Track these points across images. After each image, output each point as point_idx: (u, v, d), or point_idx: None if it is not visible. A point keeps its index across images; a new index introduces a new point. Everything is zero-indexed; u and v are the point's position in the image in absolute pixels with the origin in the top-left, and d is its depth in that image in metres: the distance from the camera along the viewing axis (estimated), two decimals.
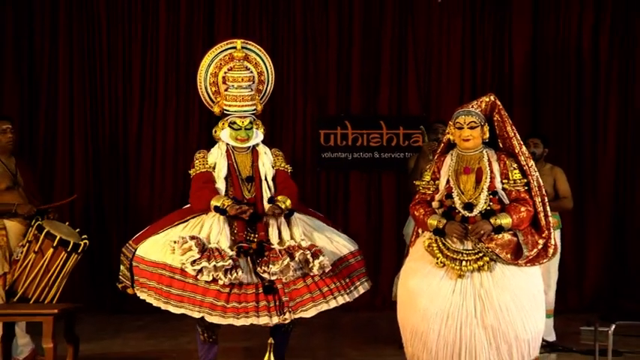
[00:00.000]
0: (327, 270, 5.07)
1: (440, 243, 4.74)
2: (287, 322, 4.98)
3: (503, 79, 9.30)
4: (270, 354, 3.19)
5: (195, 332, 5.31)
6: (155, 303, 5.01)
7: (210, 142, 5.58)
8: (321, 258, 5.03)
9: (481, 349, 4.57)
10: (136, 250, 5.16)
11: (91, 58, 9.25)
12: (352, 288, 5.21)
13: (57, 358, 5.20)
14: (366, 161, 9.28)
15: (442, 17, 9.33)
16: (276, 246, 5.09)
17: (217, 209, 5.10)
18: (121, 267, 5.31)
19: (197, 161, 5.39)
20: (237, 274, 4.87)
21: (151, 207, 9.09)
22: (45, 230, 5.86)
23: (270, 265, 4.94)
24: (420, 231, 5.00)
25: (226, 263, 4.86)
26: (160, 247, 5.10)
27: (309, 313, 5.00)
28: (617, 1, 9.28)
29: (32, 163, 8.08)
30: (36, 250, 5.85)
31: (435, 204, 4.86)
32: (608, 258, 9.19)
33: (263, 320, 4.87)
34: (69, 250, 5.90)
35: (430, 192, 4.92)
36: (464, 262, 4.65)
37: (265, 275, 4.96)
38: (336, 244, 5.32)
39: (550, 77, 9.31)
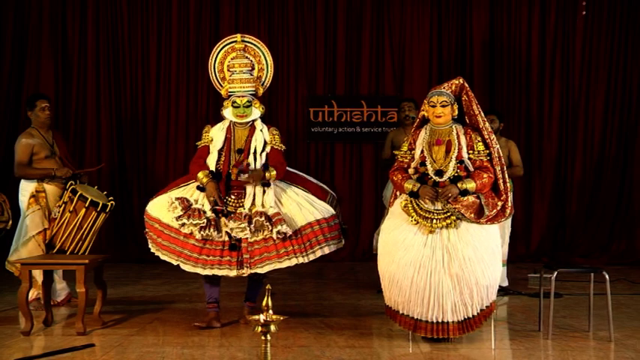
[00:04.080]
0: (288, 234, 5.05)
1: (414, 204, 4.71)
2: (244, 275, 5.12)
3: (465, 65, 9.26)
4: (267, 298, 3.16)
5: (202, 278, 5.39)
6: (152, 249, 5.27)
7: (215, 118, 5.58)
8: (279, 227, 5.01)
9: (447, 294, 4.57)
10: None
11: (114, 46, 9.22)
12: (309, 251, 5.16)
13: (88, 301, 5.16)
14: (349, 135, 9.24)
15: (413, 12, 9.29)
16: (245, 210, 5.11)
17: (198, 187, 5.23)
18: None
19: (203, 136, 5.44)
20: (209, 230, 5.03)
21: (166, 172, 9.06)
22: (78, 193, 5.82)
23: (231, 222, 5.04)
24: (398, 193, 4.96)
25: (201, 222, 5.02)
26: (159, 205, 5.24)
27: (263, 270, 5.10)
28: (561, 1, 9.24)
29: (65, 135, 8.01)
30: (71, 210, 5.81)
31: (410, 170, 4.83)
32: (550, 217, 9.24)
33: (223, 272, 5.08)
34: (98, 210, 5.87)
35: (407, 160, 4.88)
36: (434, 220, 4.64)
37: (229, 230, 5.06)
38: (305, 210, 5.23)
39: (504, 64, 9.27)
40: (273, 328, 3.13)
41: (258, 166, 5.25)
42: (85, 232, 5.83)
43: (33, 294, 5.75)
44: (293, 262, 5.10)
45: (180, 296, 6.67)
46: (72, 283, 5.54)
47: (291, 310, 5.81)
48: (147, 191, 7.97)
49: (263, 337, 3.13)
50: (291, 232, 5.06)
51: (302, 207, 5.24)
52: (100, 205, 5.86)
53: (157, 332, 5.18)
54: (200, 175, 5.20)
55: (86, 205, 5.79)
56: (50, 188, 6.05)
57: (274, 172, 5.22)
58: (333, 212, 5.31)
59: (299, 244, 5.11)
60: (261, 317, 3.11)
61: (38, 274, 5.63)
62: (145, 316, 5.74)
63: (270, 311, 3.12)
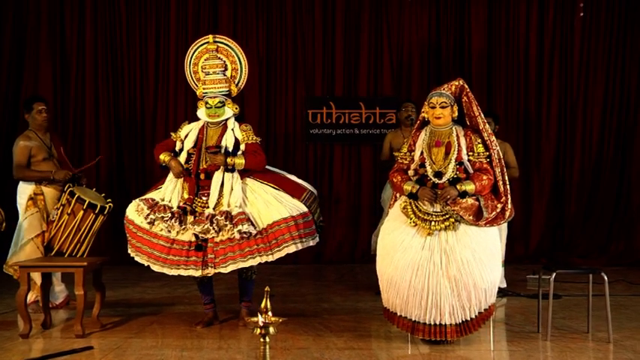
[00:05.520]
0: (253, 233, 5.06)
1: (413, 206, 4.71)
2: (209, 275, 5.20)
3: (463, 65, 9.24)
4: (266, 300, 3.15)
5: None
6: (129, 250, 5.40)
7: None
8: (240, 226, 5.02)
9: (445, 296, 4.56)
10: None
11: (112, 47, 9.20)
12: (275, 249, 5.12)
13: (87, 303, 5.16)
14: (348, 136, 9.21)
15: (411, 12, 9.28)
16: (209, 210, 5.15)
17: (161, 166, 5.48)
18: None
19: (178, 131, 5.57)
20: (172, 221, 5.15)
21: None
22: (76, 195, 5.81)
23: (195, 226, 5.10)
24: (397, 195, 4.96)
25: (166, 215, 5.18)
26: (133, 207, 5.37)
27: (227, 270, 5.13)
28: (559, 2, 9.25)
29: (64, 137, 7.99)
30: (69, 212, 5.80)
31: (410, 172, 4.83)
32: (548, 218, 9.22)
33: (189, 272, 5.16)
34: (96, 212, 5.86)
35: (407, 162, 4.88)
36: (433, 222, 4.63)
37: (196, 232, 5.13)
38: (272, 208, 5.19)
39: (502, 64, 9.26)
40: (272, 330, 3.12)
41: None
42: (84, 235, 5.82)
43: (31, 297, 5.75)
44: (257, 260, 5.11)
45: (179, 298, 6.66)
46: (70, 286, 5.54)
47: (290, 311, 5.81)
48: (145, 193, 7.95)
49: (262, 339, 3.13)
50: (255, 232, 5.08)
51: (270, 205, 5.22)
52: (98, 207, 5.86)
53: (155, 335, 5.18)
54: (162, 156, 5.42)
55: (84, 207, 5.78)
56: (48, 191, 6.04)
57: (241, 160, 5.27)
58: (305, 210, 5.26)
59: (264, 243, 5.11)
60: (260, 319, 3.11)
61: (37, 277, 5.63)
62: (143, 318, 5.74)
63: (269, 313, 3.12)
